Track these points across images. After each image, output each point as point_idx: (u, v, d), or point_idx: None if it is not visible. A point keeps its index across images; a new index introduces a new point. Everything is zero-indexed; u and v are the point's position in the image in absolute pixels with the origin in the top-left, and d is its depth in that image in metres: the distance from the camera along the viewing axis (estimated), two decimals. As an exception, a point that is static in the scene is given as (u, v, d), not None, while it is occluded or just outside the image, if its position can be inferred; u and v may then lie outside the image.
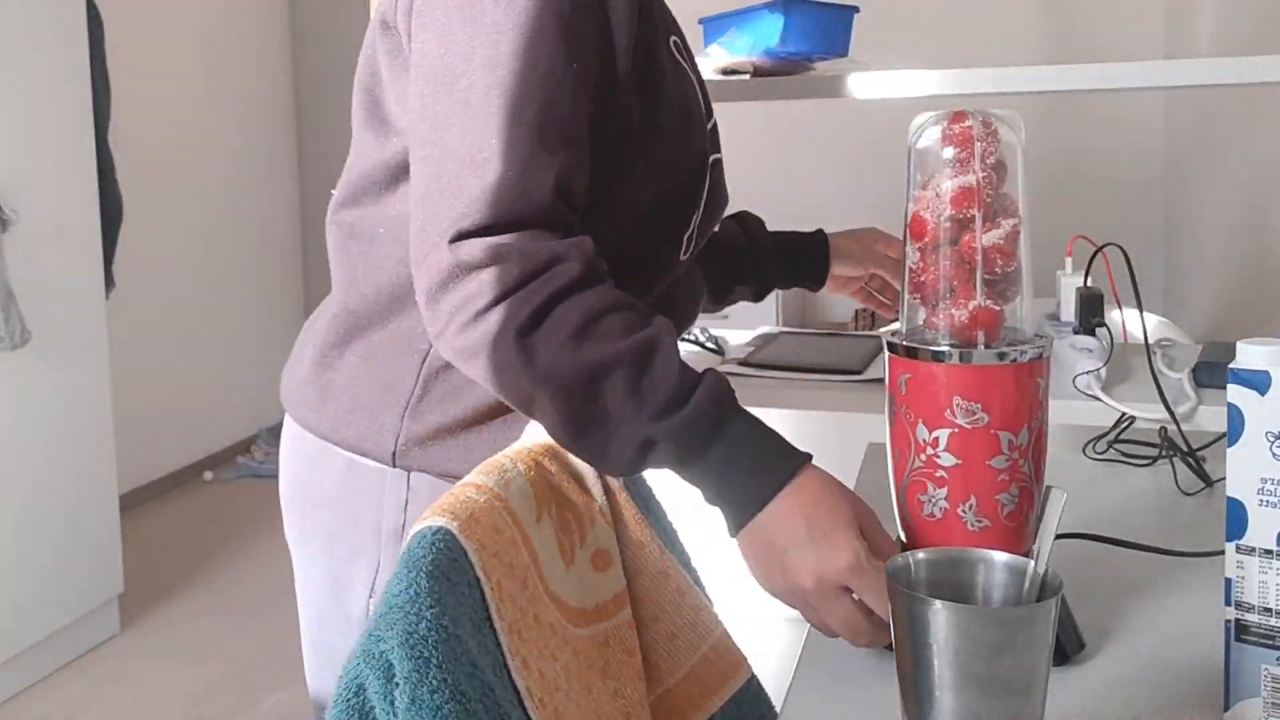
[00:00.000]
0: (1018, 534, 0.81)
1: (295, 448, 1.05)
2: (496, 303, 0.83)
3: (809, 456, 0.86)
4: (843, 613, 0.81)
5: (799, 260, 1.35)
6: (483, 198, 0.85)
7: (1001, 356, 0.79)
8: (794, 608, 0.83)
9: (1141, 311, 1.37)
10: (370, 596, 0.98)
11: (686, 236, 1.02)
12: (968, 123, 0.79)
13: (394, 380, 0.97)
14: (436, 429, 0.96)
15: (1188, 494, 1.20)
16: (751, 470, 0.84)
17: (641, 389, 0.83)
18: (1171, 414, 1.31)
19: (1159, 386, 1.32)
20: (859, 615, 0.81)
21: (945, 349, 0.79)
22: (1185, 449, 1.26)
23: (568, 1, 0.88)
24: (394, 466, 0.97)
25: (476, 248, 0.84)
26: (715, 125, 1.05)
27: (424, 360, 0.97)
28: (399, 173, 0.97)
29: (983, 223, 0.79)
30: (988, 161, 0.79)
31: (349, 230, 1.01)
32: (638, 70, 0.93)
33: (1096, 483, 1.26)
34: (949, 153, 0.80)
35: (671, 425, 0.82)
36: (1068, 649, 0.84)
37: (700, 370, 0.86)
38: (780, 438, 0.86)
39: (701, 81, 1.03)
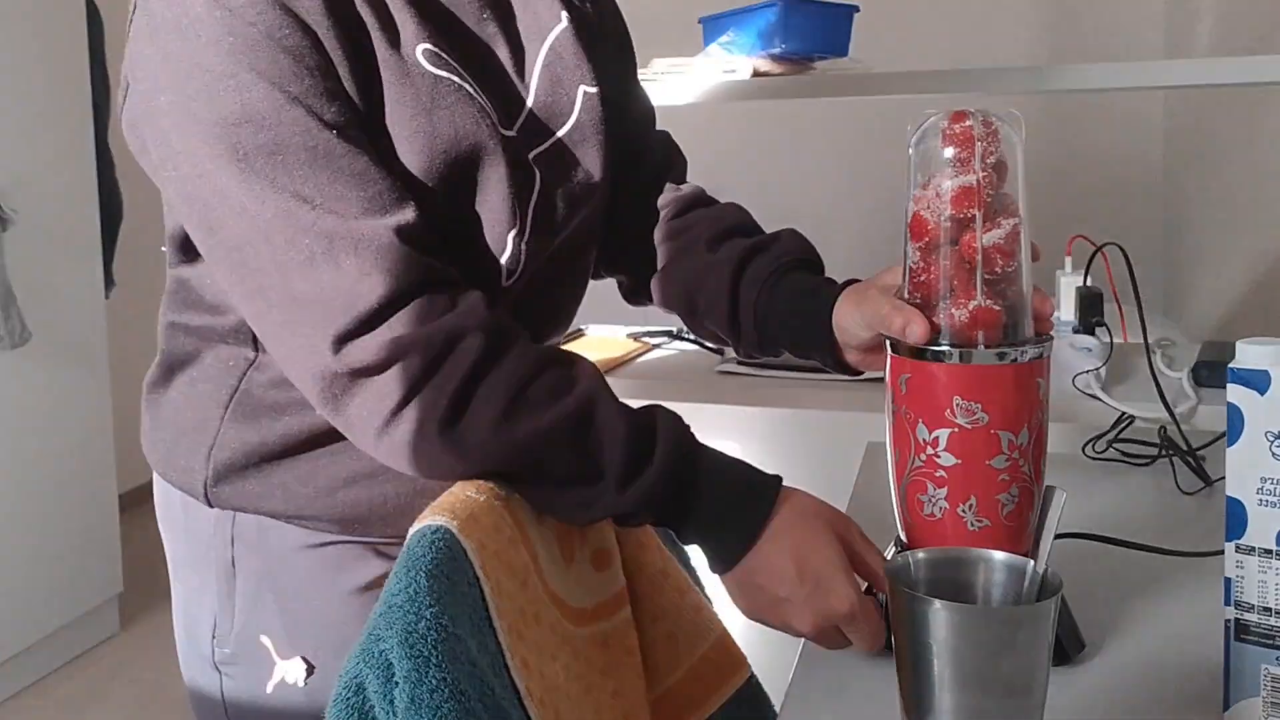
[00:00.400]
0: (1018, 534, 0.80)
1: (155, 479, 1.02)
2: (407, 401, 0.79)
3: (779, 480, 0.85)
4: (837, 641, 0.82)
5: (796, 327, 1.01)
6: (343, 295, 0.78)
7: (1001, 356, 0.79)
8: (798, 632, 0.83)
9: (1141, 311, 1.37)
10: (214, 639, 0.95)
11: (505, 259, 0.89)
12: (968, 122, 0.79)
13: (201, 419, 0.93)
14: (240, 465, 0.91)
15: (1187, 493, 1.20)
16: (731, 512, 0.83)
17: (589, 455, 0.80)
18: (1171, 413, 1.31)
19: (1158, 386, 1.32)
20: (848, 639, 0.82)
21: (945, 349, 0.79)
22: (1185, 449, 1.26)
23: (284, 61, 0.78)
24: (210, 506, 0.93)
25: (367, 349, 0.78)
26: (540, 113, 0.92)
27: (230, 398, 0.92)
28: (183, 237, 0.93)
29: (983, 222, 0.79)
30: (988, 161, 0.79)
31: (174, 284, 0.98)
32: (365, 99, 0.82)
33: (1096, 482, 1.26)
34: (949, 152, 0.80)
35: (641, 492, 0.80)
36: (1068, 649, 0.84)
37: (645, 409, 0.84)
38: (747, 467, 0.85)
39: (511, 82, 0.91)
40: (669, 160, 1.11)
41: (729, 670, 1.01)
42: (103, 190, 2.95)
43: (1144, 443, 1.33)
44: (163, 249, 0.97)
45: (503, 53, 0.91)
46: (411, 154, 0.83)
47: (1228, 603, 0.73)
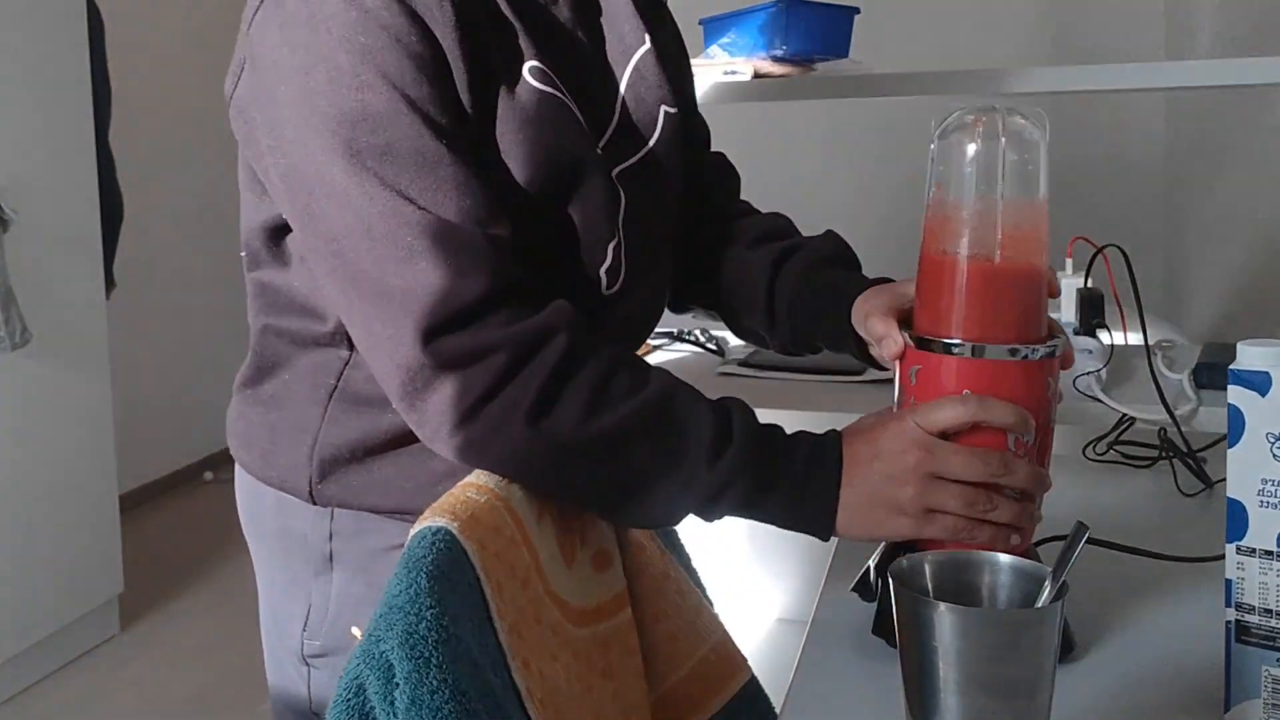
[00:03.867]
0: (1020, 531, 0.81)
1: (239, 479, 1.04)
2: (493, 394, 0.80)
3: (837, 435, 0.85)
4: (954, 493, 0.80)
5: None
6: (438, 291, 0.80)
7: (1013, 353, 0.79)
8: (929, 535, 0.82)
9: (1141, 312, 1.37)
10: (304, 632, 0.97)
11: (606, 270, 0.93)
12: (990, 120, 0.79)
13: (302, 418, 0.95)
14: (345, 460, 0.93)
15: (1188, 495, 1.20)
16: (814, 463, 0.83)
17: (673, 444, 0.82)
18: (1171, 415, 1.31)
19: (1159, 388, 1.32)
20: (979, 492, 0.80)
21: (957, 342, 0.79)
22: (1185, 450, 1.25)
23: (408, 66, 0.81)
24: (314, 504, 0.95)
25: (456, 344, 0.80)
26: (626, 131, 0.96)
27: (330, 397, 0.94)
28: (279, 232, 0.93)
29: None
30: (1010, 160, 0.79)
31: (257, 288, 0.99)
32: (477, 111, 0.86)
33: (1097, 484, 1.26)
34: (971, 150, 0.80)
35: (730, 462, 0.81)
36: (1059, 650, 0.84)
37: (719, 400, 0.86)
38: (809, 436, 0.86)
39: (611, 98, 0.95)
40: (719, 170, 1.15)
41: (729, 672, 1.01)
42: (103, 190, 2.95)
43: (1144, 444, 1.33)
44: (242, 254, 0.98)
45: (594, 72, 0.95)
46: (517, 165, 0.86)
47: (1229, 604, 0.73)
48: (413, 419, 0.84)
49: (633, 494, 0.83)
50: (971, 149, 0.80)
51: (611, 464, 0.82)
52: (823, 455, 0.83)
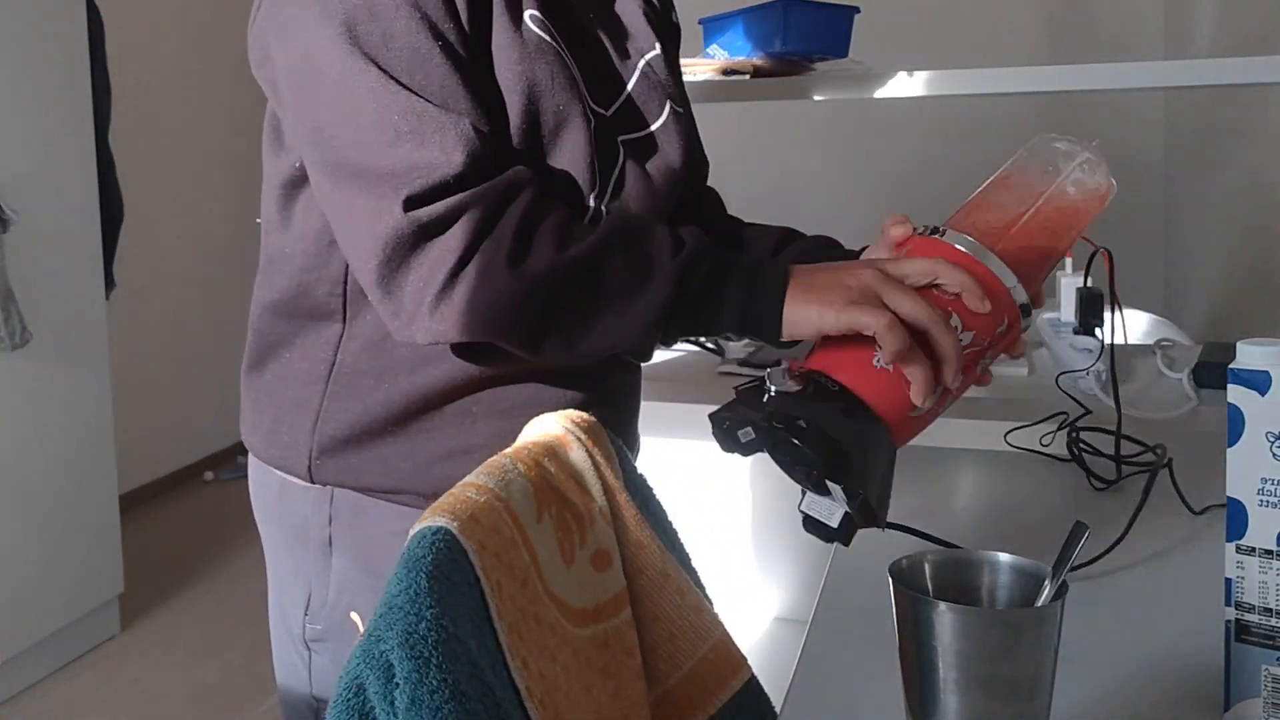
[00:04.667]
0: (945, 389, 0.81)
1: (250, 465, 1.07)
2: (473, 249, 0.84)
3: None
4: (908, 293, 0.80)
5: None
6: (422, 166, 0.84)
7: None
8: (867, 328, 0.79)
9: (1121, 310, 1.37)
10: (305, 616, 1.00)
11: (589, 218, 0.96)
12: (1087, 146, 0.90)
13: (303, 396, 0.98)
14: (344, 438, 0.97)
15: (1098, 489, 1.18)
16: (764, 267, 0.85)
17: (639, 255, 0.85)
18: (1118, 408, 1.30)
19: (1115, 388, 1.32)
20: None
21: (950, 232, 0.85)
22: (1091, 449, 1.24)
23: None
24: (313, 483, 0.98)
25: (433, 210, 0.84)
26: (632, 107, 1.02)
27: (329, 373, 0.97)
28: (291, 188, 0.97)
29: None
30: (1075, 190, 0.89)
31: (264, 261, 1.03)
32: (476, 41, 0.92)
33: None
34: (1062, 147, 0.90)
35: (689, 252, 0.84)
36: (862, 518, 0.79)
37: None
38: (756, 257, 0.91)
39: (607, 56, 1.01)
40: (716, 203, 1.19)
41: (729, 671, 1.00)
42: (103, 190, 2.95)
43: (1100, 435, 1.30)
44: (257, 220, 1.03)
45: (602, 50, 1.01)
46: (510, 94, 0.91)
47: (1228, 603, 0.73)
48: (389, 307, 0.87)
49: (610, 307, 0.85)
50: (1062, 146, 0.91)
51: (591, 282, 0.84)
52: (776, 261, 0.90)
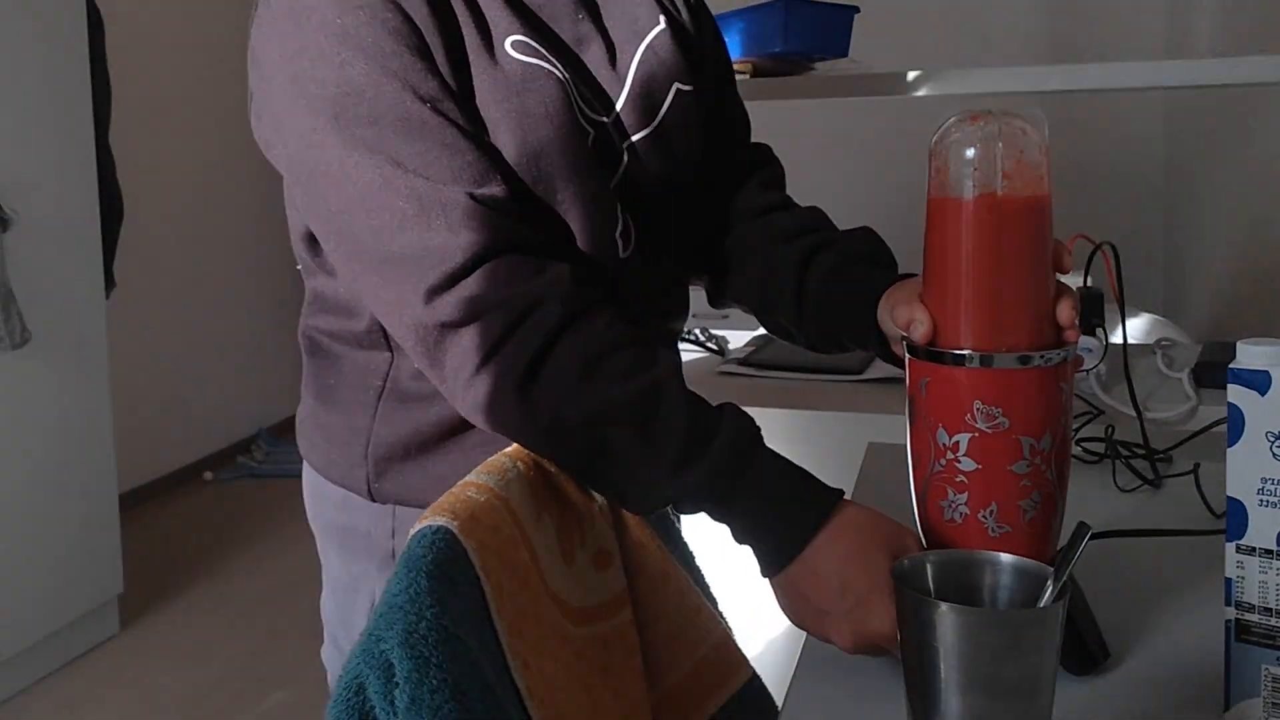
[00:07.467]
0: (1040, 540, 0.79)
1: (306, 476, 1.08)
2: (488, 358, 0.83)
3: (840, 493, 0.85)
4: (878, 652, 0.81)
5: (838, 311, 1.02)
6: (434, 252, 0.83)
7: (1024, 361, 0.77)
8: (836, 640, 0.82)
9: (1123, 309, 1.37)
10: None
11: (619, 234, 0.95)
12: (988, 124, 0.77)
13: (355, 419, 0.99)
14: (400, 456, 0.97)
15: (1125, 491, 1.18)
16: (781, 517, 0.83)
17: (651, 437, 0.82)
18: (1139, 412, 1.31)
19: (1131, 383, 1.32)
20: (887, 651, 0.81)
21: (966, 353, 0.77)
22: (1129, 452, 1.24)
23: (386, 40, 0.85)
24: (374, 501, 0.99)
25: (452, 303, 0.83)
26: (634, 104, 0.98)
27: (379, 396, 0.98)
28: (313, 240, 0.98)
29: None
30: (1008, 163, 0.77)
31: (311, 295, 1.04)
32: (458, 85, 0.89)
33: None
34: (970, 154, 0.78)
35: (690, 481, 0.82)
36: (1096, 655, 0.82)
37: (719, 406, 0.85)
38: (807, 476, 0.85)
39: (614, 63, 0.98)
40: (759, 162, 1.14)
41: (730, 671, 1.00)
42: (103, 190, 2.95)
43: (1093, 439, 1.31)
44: (297, 268, 1.03)
45: (597, 48, 0.97)
46: (507, 134, 0.89)
47: (1228, 603, 0.73)
48: (435, 378, 0.87)
49: (607, 475, 0.85)
50: (970, 152, 0.77)
51: (590, 443, 0.83)
52: (800, 514, 0.83)
